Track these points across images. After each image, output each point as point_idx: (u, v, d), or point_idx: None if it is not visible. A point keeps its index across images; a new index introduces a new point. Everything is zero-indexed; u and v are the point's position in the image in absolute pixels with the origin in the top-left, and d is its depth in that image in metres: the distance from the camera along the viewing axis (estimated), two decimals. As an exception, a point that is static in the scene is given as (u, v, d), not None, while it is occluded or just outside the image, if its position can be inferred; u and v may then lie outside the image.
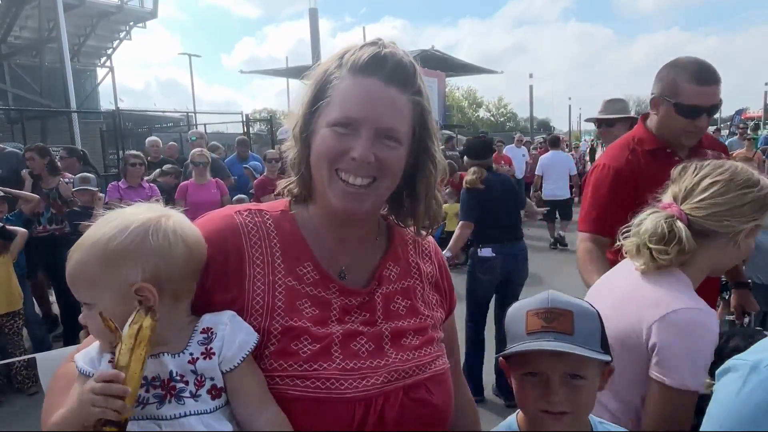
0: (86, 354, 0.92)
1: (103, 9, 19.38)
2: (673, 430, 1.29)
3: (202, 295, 0.98)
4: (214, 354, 0.90)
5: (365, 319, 1.04)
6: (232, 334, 0.91)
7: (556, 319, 1.07)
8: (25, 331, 4.77)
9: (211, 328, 0.92)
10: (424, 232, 1.16)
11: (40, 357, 4.62)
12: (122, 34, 21.79)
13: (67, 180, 5.63)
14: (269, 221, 1.07)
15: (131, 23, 21.34)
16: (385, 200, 1.08)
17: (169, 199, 5.91)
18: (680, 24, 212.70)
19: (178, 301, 0.94)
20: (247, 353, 0.91)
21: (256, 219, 1.06)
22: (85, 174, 5.43)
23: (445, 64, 23.09)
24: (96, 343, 0.93)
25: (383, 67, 0.98)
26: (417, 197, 1.09)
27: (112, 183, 6.10)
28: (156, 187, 6.12)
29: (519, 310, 1.14)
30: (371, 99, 0.97)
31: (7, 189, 5.10)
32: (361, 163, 0.96)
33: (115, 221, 0.91)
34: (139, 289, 0.88)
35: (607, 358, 1.07)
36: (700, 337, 1.29)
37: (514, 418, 1.19)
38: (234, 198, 6.26)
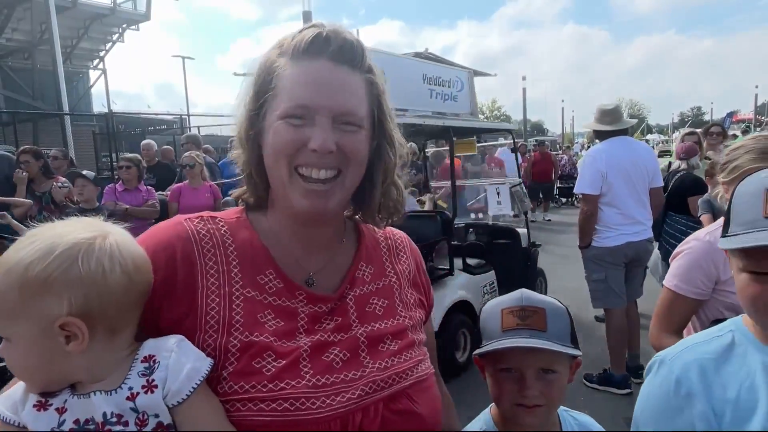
0: (8, 398, 0.79)
1: (95, 11, 19.28)
2: (663, 323, 1.79)
3: (150, 314, 0.86)
4: (156, 387, 0.77)
5: (338, 325, 0.94)
6: (179, 363, 0.78)
7: (530, 317, 1.12)
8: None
9: (154, 356, 0.79)
10: (383, 223, 1.07)
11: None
12: (115, 37, 21.69)
13: (60, 184, 5.60)
14: (224, 228, 0.96)
15: (124, 26, 21.24)
16: (350, 195, 0.98)
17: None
18: (676, 26, 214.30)
19: (115, 335, 0.80)
20: (198, 383, 0.78)
21: (209, 226, 0.96)
22: (86, 172, 5.39)
23: (439, 67, 23.12)
24: (21, 385, 0.80)
25: (328, 46, 0.90)
26: (375, 185, 1.00)
27: (109, 185, 6.05)
28: (153, 191, 6.09)
29: (494, 308, 1.18)
30: (322, 82, 0.89)
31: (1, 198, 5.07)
32: (322, 153, 0.87)
33: (39, 242, 0.76)
34: (65, 324, 0.74)
35: (578, 352, 1.13)
36: (690, 253, 1.74)
37: (488, 413, 1.23)
38: (221, 201, 6.21)
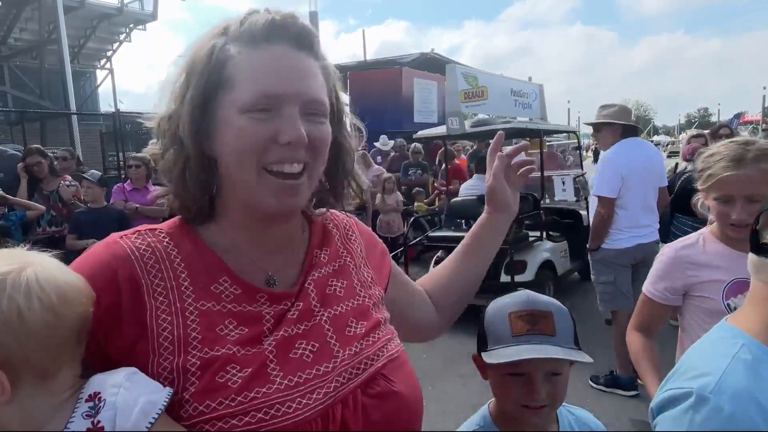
0: None
1: (103, 11, 19.37)
2: (634, 320, 1.96)
3: (96, 346, 0.78)
4: (102, 428, 0.68)
5: (299, 311, 0.88)
6: (130, 399, 0.70)
7: (540, 321, 1.11)
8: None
9: (99, 393, 0.70)
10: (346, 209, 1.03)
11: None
12: (122, 36, 21.79)
13: (68, 182, 5.63)
14: (166, 240, 0.88)
15: (131, 25, 21.34)
16: (314, 188, 0.92)
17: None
18: (683, 27, 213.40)
19: (49, 379, 0.71)
20: (156, 416, 0.70)
21: (149, 240, 0.86)
22: (92, 172, 5.42)
23: (445, 68, 23.13)
24: None
25: (288, 30, 0.83)
26: (336, 173, 0.97)
27: (117, 185, 6.08)
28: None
29: (500, 311, 1.17)
30: (286, 68, 0.81)
31: (13, 198, 5.12)
32: (297, 146, 0.81)
33: None
34: None
35: (590, 359, 1.10)
36: (661, 262, 1.88)
37: (486, 411, 1.23)
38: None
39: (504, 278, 5.65)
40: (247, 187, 0.84)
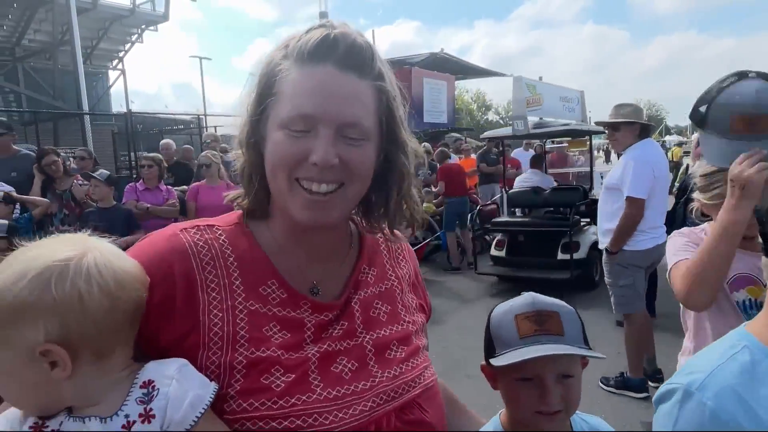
0: (5, 418, 0.77)
1: (115, 12, 19.54)
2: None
3: (149, 335, 0.82)
4: (154, 417, 0.73)
5: (344, 330, 0.91)
6: (181, 391, 0.74)
7: (546, 321, 1.09)
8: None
9: (153, 382, 0.75)
10: (396, 236, 1.04)
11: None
12: (134, 37, 21.97)
13: (80, 182, 5.69)
14: (222, 237, 0.91)
15: (143, 26, 21.51)
16: (355, 205, 0.94)
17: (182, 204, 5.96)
18: (697, 26, 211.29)
19: (104, 358, 0.76)
20: (202, 411, 0.75)
21: (207, 236, 0.90)
22: (101, 171, 5.47)
23: (455, 67, 23.05)
24: (14, 409, 0.77)
25: (335, 51, 0.84)
26: (389, 196, 0.96)
27: (130, 184, 6.14)
28: (173, 190, 6.16)
29: (506, 314, 1.14)
30: (326, 90, 0.83)
31: (18, 196, 5.17)
32: (324, 167, 0.82)
33: (15, 266, 0.73)
34: (45, 351, 0.71)
35: (602, 355, 1.09)
36: (680, 236, 1.91)
37: (498, 420, 1.20)
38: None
39: (561, 256, 6.90)
40: (282, 196, 0.88)
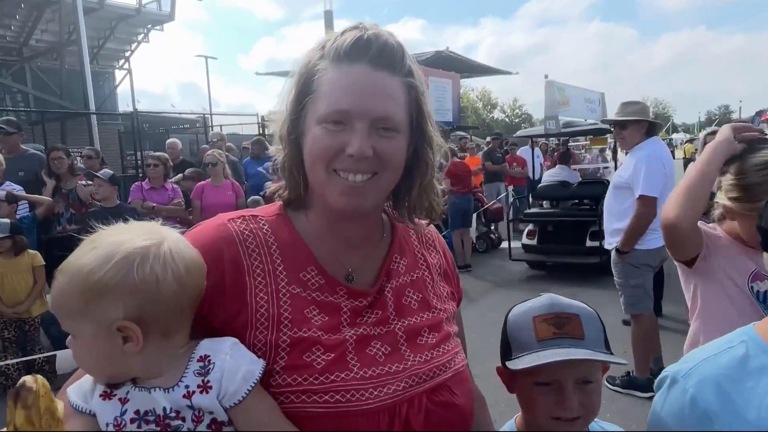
0: (79, 388, 0.86)
1: (121, 12, 19.63)
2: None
3: (201, 314, 0.90)
4: (211, 388, 0.81)
5: (377, 318, 0.97)
6: (234, 366, 0.83)
7: (566, 324, 1.06)
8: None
9: (209, 356, 0.84)
10: (424, 223, 1.10)
11: (60, 354, 4.73)
12: (140, 37, 22.06)
13: (84, 182, 5.72)
14: (265, 227, 0.99)
15: (149, 26, 21.59)
16: (387, 195, 1.01)
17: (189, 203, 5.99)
18: (705, 22, 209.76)
19: (169, 336, 0.85)
20: (253, 384, 0.83)
21: (252, 226, 0.99)
22: (104, 171, 5.50)
23: (460, 66, 23.00)
24: (88, 376, 0.87)
25: (368, 50, 0.91)
26: (412, 185, 1.02)
27: (136, 183, 6.18)
28: (179, 189, 6.18)
29: (523, 316, 1.11)
30: (360, 87, 0.90)
31: (22, 194, 5.20)
32: (359, 159, 0.89)
33: (100, 249, 0.82)
34: (122, 327, 0.80)
35: (624, 361, 1.05)
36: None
37: (513, 425, 1.17)
38: (249, 200, 6.29)
39: (590, 243, 7.27)
40: (320, 186, 0.95)
